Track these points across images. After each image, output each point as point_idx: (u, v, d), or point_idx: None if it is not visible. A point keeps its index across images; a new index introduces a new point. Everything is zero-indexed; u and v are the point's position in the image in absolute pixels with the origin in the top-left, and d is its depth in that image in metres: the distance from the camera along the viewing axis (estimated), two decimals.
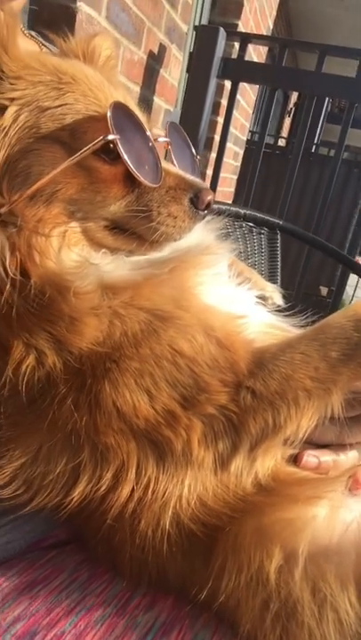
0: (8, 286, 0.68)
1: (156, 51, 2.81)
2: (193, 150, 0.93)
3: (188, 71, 3.13)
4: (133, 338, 0.72)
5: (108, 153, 0.72)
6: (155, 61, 2.86)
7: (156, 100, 3.03)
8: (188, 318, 0.75)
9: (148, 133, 0.76)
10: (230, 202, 4.93)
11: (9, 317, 0.69)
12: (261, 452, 0.77)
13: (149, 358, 0.72)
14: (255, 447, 0.76)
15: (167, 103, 3.20)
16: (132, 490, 0.74)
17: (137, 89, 2.77)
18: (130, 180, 0.74)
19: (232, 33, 3.13)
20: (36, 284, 0.69)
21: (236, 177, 5.01)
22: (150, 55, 2.77)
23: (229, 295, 0.87)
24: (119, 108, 0.72)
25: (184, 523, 0.74)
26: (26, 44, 1.07)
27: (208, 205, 0.79)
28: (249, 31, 4.11)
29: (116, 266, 0.77)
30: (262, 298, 1.07)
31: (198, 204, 0.78)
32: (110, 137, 0.69)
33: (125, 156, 0.70)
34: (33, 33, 1.25)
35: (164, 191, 0.76)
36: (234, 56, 3.35)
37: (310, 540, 0.70)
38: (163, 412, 0.73)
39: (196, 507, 0.75)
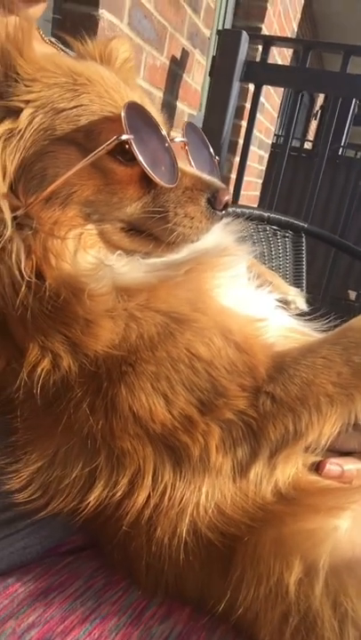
0: (23, 288, 0.68)
1: (178, 56, 2.82)
2: (211, 150, 0.92)
3: (210, 75, 3.12)
4: (150, 341, 0.71)
5: (124, 154, 0.71)
6: (177, 66, 2.86)
7: (179, 104, 3.03)
8: (205, 321, 0.74)
9: (164, 133, 0.75)
10: (255, 206, 4.90)
11: (25, 320, 0.68)
12: (282, 459, 0.74)
13: (166, 361, 0.71)
14: (275, 454, 0.74)
15: (190, 108, 3.20)
16: (149, 496, 0.72)
17: (160, 94, 2.78)
18: (146, 181, 0.73)
19: (255, 36, 3.11)
20: (51, 286, 0.68)
21: (261, 181, 4.98)
22: (173, 60, 2.78)
23: (248, 298, 0.85)
24: (134, 109, 0.71)
25: (201, 531, 0.72)
26: (44, 50, 1.07)
27: (226, 205, 0.77)
28: (273, 34, 4.09)
29: (131, 268, 0.76)
30: (285, 302, 1.05)
31: (216, 205, 0.76)
32: (124, 137, 0.68)
33: (140, 157, 0.69)
34: (53, 39, 1.26)
35: (181, 192, 0.75)
36: (258, 60, 3.33)
37: (331, 552, 0.67)
38: (180, 417, 0.71)
39: (213, 515, 0.72)
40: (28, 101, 0.70)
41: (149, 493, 0.72)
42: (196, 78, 3.17)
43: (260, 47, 3.14)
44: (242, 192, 3.35)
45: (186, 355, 0.72)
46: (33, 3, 1.04)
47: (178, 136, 0.82)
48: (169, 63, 2.76)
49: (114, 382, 0.70)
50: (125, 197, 0.73)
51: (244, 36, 2.83)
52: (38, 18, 1.11)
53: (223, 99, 2.86)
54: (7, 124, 0.68)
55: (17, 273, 0.67)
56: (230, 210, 2.44)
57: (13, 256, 0.68)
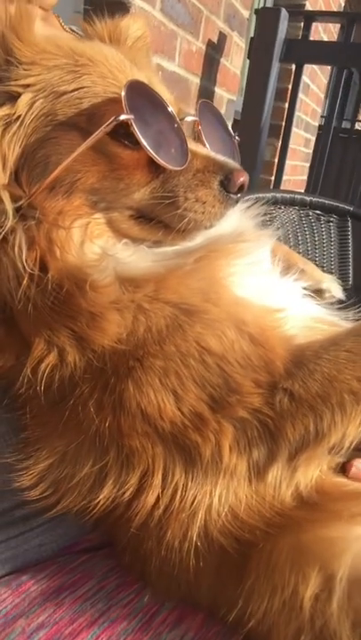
0: (26, 281, 0.65)
1: (215, 39, 2.73)
2: (230, 130, 0.86)
3: (249, 57, 3.01)
4: (158, 334, 0.67)
5: (129, 137, 0.67)
6: (214, 51, 2.77)
7: (218, 90, 2.94)
8: (217, 312, 0.69)
9: (173, 113, 0.70)
10: (303, 190, 4.73)
11: (30, 314, 0.66)
12: (303, 461, 0.69)
13: (175, 356, 0.67)
14: (295, 456, 0.68)
15: (229, 92, 3.11)
16: (159, 497, 0.68)
17: (197, 80, 2.70)
18: (154, 165, 0.69)
19: (295, 13, 2.96)
20: (54, 277, 0.65)
21: (308, 164, 4.80)
22: (209, 44, 2.69)
23: (269, 286, 0.79)
24: (137, 88, 0.66)
25: (214, 536, 0.68)
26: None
27: (241, 188, 0.72)
28: (318, 10, 3.89)
29: (138, 257, 0.72)
30: (318, 290, 0.98)
31: (230, 187, 0.70)
32: (123, 117, 0.63)
33: (141, 138, 0.64)
34: (73, 28, 1.23)
35: (192, 175, 0.70)
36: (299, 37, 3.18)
37: (351, 564, 0.61)
38: (190, 415, 0.67)
39: (227, 519, 0.68)
40: (27, 85, 0.66)
41: (159, 494, 0.68)
42: (235, 62, 3.06)
43: (302, 24, 2.99)
44: (286, 176, 3.23)
45: (196, 348, 0.67)
46: None
47: (190, 115, 0.77)
48: (205, 48, 2.68)
49: (121, 378, 0.67)
50: (132, 183, 0.69)
51: (283, 13, 2.70)
52: (54, 5, 1.08)
53: (262, 81, 2.75)
54: (4, 110, 0.65)
55: (20, 265, 0.65)
56: (269, 195, 2.34)
57: (16, 248, 0.65)
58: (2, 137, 0.65)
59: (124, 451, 0.69)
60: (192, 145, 0.73)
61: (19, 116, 0.66)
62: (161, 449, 0.68)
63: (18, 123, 0.66)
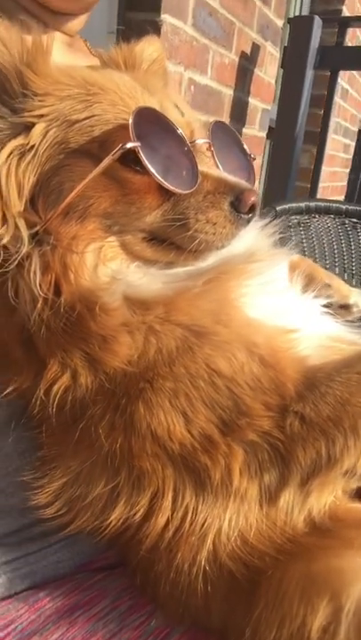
0: (40, 304, 0.66)
1: (248, 51, 2.72)
2: (245, 149, 0.85)
3: (282, 66, 2.98)
4: (168, 356, 0.67)
5: (138, 162, 0.67)
6: (248, 62, 2.77)
7: (252, 100, 2.93)
8: (227, 334, 0.68)
9: (183, 136, 0.70)
10: (342, 197, 4.63)
11: (45, 336, 0.67)
12: (317, 485, 0.67)
13: (184, 377, 0.66)
14: (308, 480, 0.66)
15: (263, 103, 3.09)
16: (169, 519, 0.68)
17: (230, 92, 2.70)
18: (164, 189, 0.69)
19: (329, 19, 2.91)
20: (66, 301, 0.66)
21: (348, 170, 4.70)
22: (242, 56, 2.69)
23: (283, 306, 0.77)
24: (145, 114, 0.67)
25: (223, 561, 0.67)
26: (81, 62, 1.06)
27: (252, 208, 0.71)
28: (353, 16, 3.82)
29: (150, 279, 0.72)
30: (345, 306, 0.95)
31: (240, 207, 0.70)
32: (129, 145, 0.64)
33: (148, 164, 0.65)
34: (101, 51, 1.25)
35: (202, 196, 0.70)
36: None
37: (359, 597, 0.58)
38: (199, 437, 0.66)
39: (236, 543, 0.67)
40: (41, 116, 0.68)
41: (169, 516, 0.68)
42: (269, 71, 3.04)
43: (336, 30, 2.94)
44: (325, 183, 3.17)
45: (205, 370, 0.67)
46: (70, 17, 1.03)
47: (202, 138, 0.77)
48: (238, 59, 2.68)
49: (132, 399, 0.67)
50: (144, 206, 0.69)
51: (317, 21, 2.66)
52: (79, 30, 1.10)
53: (296, 88, 2.72)
54: (19, 140, 0.67)
55: (34, 290, 0.66)
56: (303, 205, 2.30)
57: (31, 273, 0.67)
58: (17, 166, 0.67)
59: (134, 472, 0.69)
60: (203, 167, 0.73)
61: (33, 146, 0.67)
62: (171, 471, 0.68)
63: (32, 152, 0.67)
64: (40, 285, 0.66)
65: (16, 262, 0.66)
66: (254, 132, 3.13)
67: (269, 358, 0.68)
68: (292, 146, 2.73)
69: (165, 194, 0.70)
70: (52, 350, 0.68)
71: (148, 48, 0.88)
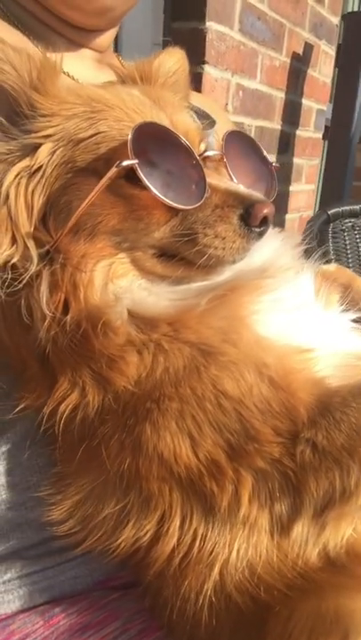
0: (47, 322, 0.65)
1: (300, 51, 2.64)
2: (265, 157, 0.81)
3: (337, 65, 2.87)
4: (175, 375, 0.64)
5: None
6: (300, 62, 2.68)
7: (305, 102, 2.84)
8: (234, 354, 0.64)
9: (190, 149, 0.68)
10: None
11: (56, 353, 0.67)
12: (332, 518, 0.62)
13: (190, 399, 0.64)
14: (323, 512, 0.62)
15: (318, 103, 2.98)
16: (177, 544, 0.66)
17: (281, 95, 2.63)
18: None
19: None
20: (73, 319, 0.65)
21: None
22: (294, 57, 2.61)
23: (302, 323, 0.72)
24: (147, 129, 0.65)
25: (229, 592, 0.63)
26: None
27: (264, 221, 0.67)
28: None
29: (159, 296, 0.70)
30: None
31: (250, 221, 0.66)
32: (125, 163, 0.62)
33: (147, 181, 0.63)
34: (117, 65, 1.22)
35: (210, 210, 0.67)
36: None
37: None
38: (206, 461, 0.63)
39: (244, 575, 0.63)
40: (47, 136, 0.68)
41: (177, 541, 0.66)
42: (324, 71, 2.94)
43: None
44: None
45: (212, 392, 0.64)
46: (97, 33, 1.04)
47: (212, 150, 0.74)
48: (290, 60, 2.60)
49: (139, 419, 0.65)
50: (152, 222, 0.68)
51: None
52: (109, 45, 1.10)
53: (351, 87, 2.60)
54: (26, 162, 0.67)
55: (43, 308, 0.66)
56: (357, 207, 2.19)
57: (40, 293, 0.66)
58: (26, 187, 0.67)
59: (142, 493, 0.67)
60: (214, 179, 0.70)
61: (40, 166, 0.67)
62: (178, 495, 0.65)
63: (41, 172, 0.67)
64: (49, 304, 0.66)
65: (25, 281, 0.66)
66: (309, 134, 3.03)
67: (280, 380, 0.63)
68: (348, 145, 2.61)
69: (173, 209, 0.68)
70: (63, 368, 0.67)
71: (167, 60, 0.86)
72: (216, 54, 2.11)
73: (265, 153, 0.82)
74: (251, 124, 2.44)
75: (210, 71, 2.08)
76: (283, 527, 0.63)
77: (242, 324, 0.67)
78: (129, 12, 1.05)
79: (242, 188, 0.71)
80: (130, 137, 0.63)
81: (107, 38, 1.06)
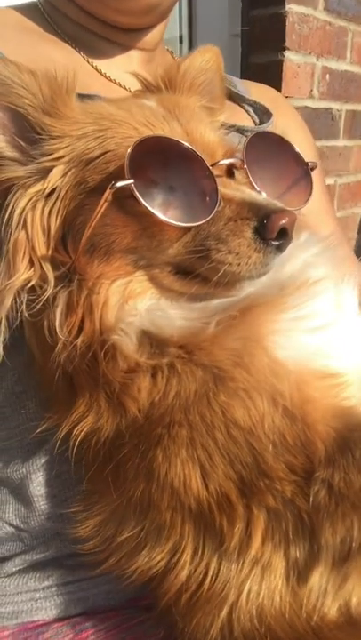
0: (60, 344, 0.64)
1: None
2: (298, 156, 0.72)
3: None
4: (185, 401, 0.60)
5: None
6: None
7: None
8: (244, 380, 0.58)
9: (200, 159, 0.62)
10: None
11: (75, 375, 0.65)
12: (357, 569, 0.53)
13: (200, 426, 0.59)
14: (345, 562, 0.53)
15: None
16: (189, 577, 0.62)
17: None
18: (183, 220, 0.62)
19: None
20: (83, 342, 0.63)
21: None
22: None
23: (329, 344, 0.63)
24: (149, 144, 0.61)
25: (236, 637, 0.57)
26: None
27: (282, 233, 0.60)
28: None
29: (173, 315, 0.65)
30: None
31: (265, 234, 0.59)
32: (120, 184, 0.58)
33: (142, 200, 0.59)
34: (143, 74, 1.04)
35: (223, 224, 0.62)
36: None
37: None
38: (216, 495, 0.58)
39: (252, 622, 0.57)
40: (59, 158, 0.66)
41: (189, 574, 0.62)
42: None
43: None
44: None
45: (221, 420, 0.58)
46: (144, 31, 0.99)
47: (229, 159, 0.68)
48: None
49: (151, 445, 0.62)
50: (165, 239, 0.63)
51: None
52: (159, 42, 1.03)
53: None
54: (38, 186, 0.66)
55: (58, 330, 0.64)
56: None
57: (55, 313, 0.65)
58: (42, 210, 0.66)
59: (155, 521, 0.64)
60: (230, 190, 0.64)
61: (55, 189, 0.66)
62: (191, 527, 0.61)
63: (55, 195, 0.66)
64: (62, 326, 0.64)
65: (41, 303, 0.65)
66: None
67: (296, 410, 0.56)
68: None
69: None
70: (82, 390, 0.65)
71: (196, 60, 0.80)
72: (298, 38, 1.96)
73: (298, 152, 0.73)
74: (340, 109, 2.25)
75: (291, 57, 1.95)
76: (299, 573, 0.56)
77: (257, 346, 0.60)
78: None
79: (259, 198, 0.64)
80: (127, 156, 0.59)
81: (155, 36, 1.02)
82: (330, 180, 2.27)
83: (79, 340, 0.63)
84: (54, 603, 0.82)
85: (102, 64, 0.97)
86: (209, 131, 0.70)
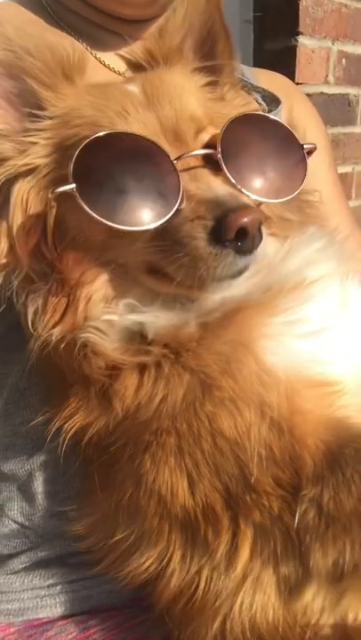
0: (36, 343, 0.62)
1: None
2: (296, 142, 0.66)
3: None
4: (172, 408, 0.58)
5: None
6: None
7: None
8: (231, 389, 0.56)
9: (163, 155, 0.57)
10: None
11: (68, 372, 0.64)
12: (353, 586, 0.52)
13: (187, 435, 0.58)
14: (339, 580, 0.52)
15: None
16: (180, 585, 0.61)
17: None
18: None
19: None
20: (63, 339, 0.61)
21: None
22: None
23: (323, 350, 0.60)
24: (101, 144, 0.57)
25: None
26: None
27: (241, 232, 0.53)
28: None
29: (152, 315, 0.62)
30: None
31: (222, 235, 0.54)
32: (60, 189, 0.56)
33: (85, 205, 0.55)
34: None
35: (181, 224, 0.57)
36: None
37: None
38: (202, 504, 0.57)
39: (245, 635, 0.56)
40: (47, 138, 0.62)
41: (179, 582, 0.61)
42: None
43: None
44: None
45: (208, 429, 0.56)
46: (149, 22, 0.95)
47: (200, 150, 0.62)
48: None
49: (139, 450, 0.61)
50: (133, 238, 0.59)
51: None
52: None
53: None
54: (19, 160, 0.62)
55: (30, 325, 0.63)
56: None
57: (30, 309, 0.63)
58: (20, 185, 0.62)
59: (144, 526, 0.63)
60: (195, 186, 0.58)
61: (37, 167, 0.62)
62: (178, 535, 0.60)
63: (36, 173, 0.62)
64: (34, 322, 0.62)
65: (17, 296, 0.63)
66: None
67: (284, 422, 0.54)
68: None
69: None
70: (75, 386, 0.64)
71: (179, 14, 0.70)
72: (312, 22, 1.89)
73: (291, 132, 0.66)
74: (357, 94, 2.17)
75: (305, 42, 1.88)
76: (291, 590, 0.54)
77: (246, 352, 0.57)
78: None
79: (220, 193, 0.57)
80: (73, 159, 0.56)
81: None
82: (347, 168, 2.20)
83: (54, 337, 0.61)
84: (59, 600, 0.82)
85: (106, 56, 0.94)
86: (194, 109, 0.64)
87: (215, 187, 0.59)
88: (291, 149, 0.66)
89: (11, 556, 0.85)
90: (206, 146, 0.63)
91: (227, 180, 0.60)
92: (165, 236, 0.57)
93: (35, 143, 0.62)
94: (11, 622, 0.81)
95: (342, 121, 2.12)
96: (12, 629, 0.79)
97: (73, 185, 0.55)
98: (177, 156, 0.58)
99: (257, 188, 0.62)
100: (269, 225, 0.68)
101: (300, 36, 1.86)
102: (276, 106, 1.07)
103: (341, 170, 2.05)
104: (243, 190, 0.60)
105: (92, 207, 0.55)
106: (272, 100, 1.07)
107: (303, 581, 0.54)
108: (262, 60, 1.94)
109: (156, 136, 0.59)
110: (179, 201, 0.56)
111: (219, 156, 0.60)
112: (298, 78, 1.86)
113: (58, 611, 0.82)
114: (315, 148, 0.68)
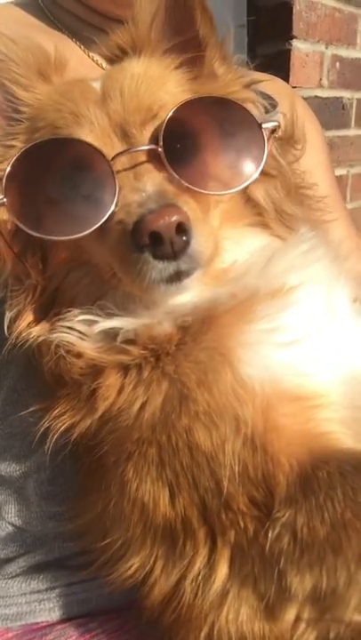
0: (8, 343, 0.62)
1: None
2: (243, 118, 0.60)
3: None
4: (151, 417, 0.56)
5: None
6: None
7: None
8: (206, 402, 0.54)
9: (100, 160, 0.55)
10: None
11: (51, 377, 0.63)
12: (334, 603, 0.51)
13: (167, 446, 0.56)
14: (319, 601, 0.51)
15: None
16: (165, 594, 0.60)
17: None
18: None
19: None
20: (37, 342, 0.61)
21: None
22: None
23: (305, 359, 0.56)
24: (43, 150, 0.55)
25: None
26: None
27: (155, 238, 0.50)
28: None
29: (125, 314, 0.61)
30: None
31: (137, 239, 0.51)
32: None
33: (16, 219, 0.55)
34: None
35: (111, 228, 0.55)
36: None
37: None
38: (181, 517, 0.56)
39: None
40: (23, 140, 0.61)
41: (163, 591, 0.60)
42: None
43: None
44: None
45: (185, 442, 0.54)
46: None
47: (140, 146, 0.58)
48: None
49: (122, 459, 0.60)
50: (87, 239, 0.57)
51: None
52: None
53: None
54: (3, 164, 0.59)
55: (6, 328, 0.62)
56: None
57: (6, 313, 0.62)
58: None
59: (128, 532, 0.62)
60: (130, 186, 0.55)
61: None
62: (159, 544, 0.59)
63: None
64: (10, 326, 0.62)
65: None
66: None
67: (257, 438, 0.51)
68: None
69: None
70: (65, 385, 0.63)
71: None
72: (306, 26, 1.87)
73: (249, 112, 0.60)
74: (351, 97, 2.14)
75: (299, 46, 1.86)
76: (272, 609, 0.53)
77: (223, 361, 0.54)
78: None
79: (146, 193, 0.53)
80: (6, 171, 0.55)
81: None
82: (342, 171, 2.18)
83: (31, 341, 0.61)
84: (57, 604, 0.82)
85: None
86: (148, 97, 0.59)
87: (147, 186, 0.54)
88: (247, 131, 0.59)
89: (8, 561, 0.84)
90: (154, 137, 0.57)
91: (169, 176, 0.56)
92: (100, 240, 0.56)
93: (13, 147, 0.60)
94: (9, 627, 0.80)
95: (336, 124, 2.10)
96: (10, 634, 0.79)
97: (3, 198, 0.54)
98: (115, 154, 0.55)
99: (205, 180, 0.57)
100: (266, 219, 0.64)
101: (293, 40, 1.84)
102: (272, 107, 1.06)
103: (336, 173, 2.02)
104: (189, 186, 0.55)
105: (20, 218, 0.54)
106: (267, 99, 1.06)
107: (283, 601, 0.52)
108: (256, 64, 1.93)
109: (105, 135, 0.56)
110: (113, 205, 0.53)
111: (159, 150, 0.56)
112: (292, 82, 1.84)
113: (56, 614, 0.81)
114: (278, 126, 0.62)
